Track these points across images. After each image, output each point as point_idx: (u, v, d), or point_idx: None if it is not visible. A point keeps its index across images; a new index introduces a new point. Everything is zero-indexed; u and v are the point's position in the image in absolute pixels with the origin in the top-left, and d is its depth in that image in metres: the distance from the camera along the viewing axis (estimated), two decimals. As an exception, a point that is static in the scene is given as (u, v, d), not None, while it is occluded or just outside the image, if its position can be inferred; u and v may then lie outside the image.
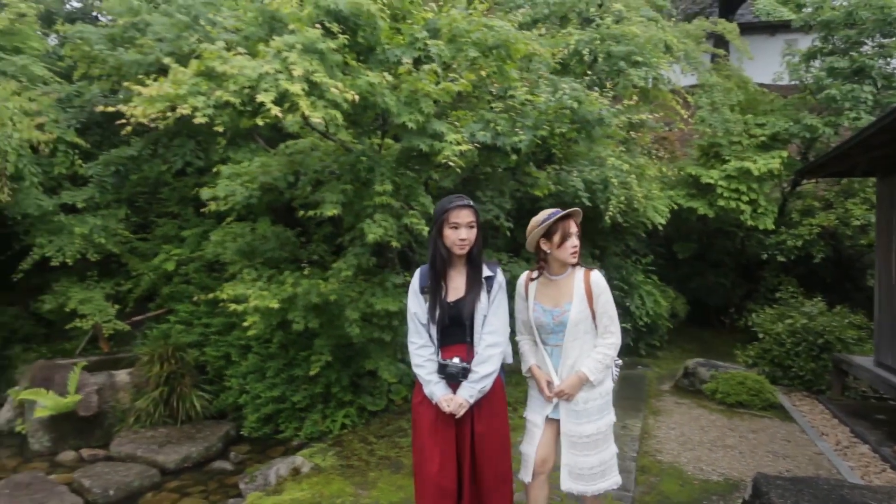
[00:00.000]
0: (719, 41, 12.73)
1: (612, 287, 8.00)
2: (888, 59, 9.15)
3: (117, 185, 6.89)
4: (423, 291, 2.68)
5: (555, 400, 2.84)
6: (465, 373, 2.62)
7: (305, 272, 4.93)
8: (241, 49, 3.97)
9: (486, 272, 2.69)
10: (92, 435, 5.49)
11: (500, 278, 2.73)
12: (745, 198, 8.73)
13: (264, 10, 4.82)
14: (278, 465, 4.39)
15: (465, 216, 2.57)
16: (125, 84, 5.20)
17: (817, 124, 8.93)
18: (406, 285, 5.27)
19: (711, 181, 8.79)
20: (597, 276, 2.84)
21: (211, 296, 5.43)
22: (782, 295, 8.86)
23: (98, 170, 6.58)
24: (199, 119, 3.33)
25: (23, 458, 5.25)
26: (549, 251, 2.80)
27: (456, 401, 2.59)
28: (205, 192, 5.20)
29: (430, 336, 2.69)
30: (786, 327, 7.45)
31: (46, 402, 5.09)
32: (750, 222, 8.73)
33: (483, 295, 2.65)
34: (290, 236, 6.19)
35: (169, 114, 3.52)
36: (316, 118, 3.28)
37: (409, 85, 3.79)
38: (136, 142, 7.14)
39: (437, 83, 3.89)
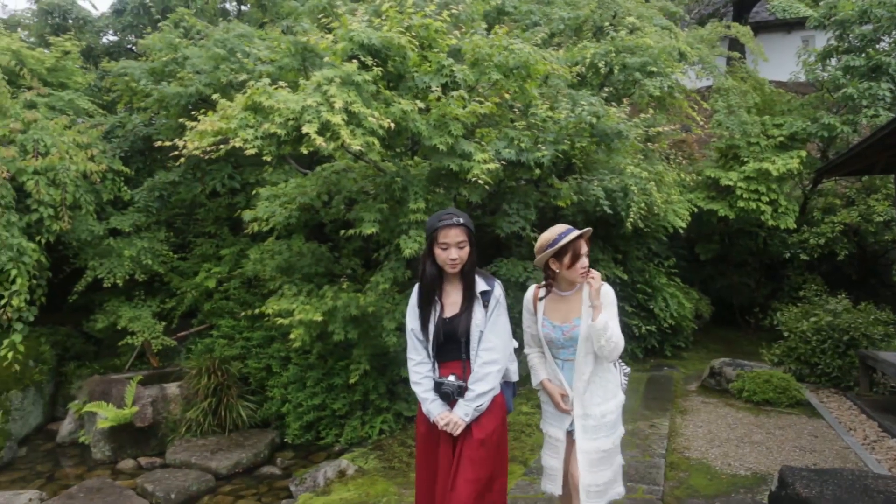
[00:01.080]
0: (734, 43, 12.83)
1: (636, 290, 8.23)
2: (904, 56, 9.20)
3: (160, 209, 7.31)
4: (420, 307, 2.61)
5: (576, 411, 2.80)
6: (460, 391, 2.55)
7: (344, 286, 5.23)
8: (279, 82, 4.31)
9: (482, 286, 2.58)
10: (147, 444, 5.85)
11: (499, 293, 2.62)
12: (765, 198, 8.83)
13: (297, 42, 5.19)
14: (325, 468, 4.68)
15: (454, 236, 2.46)
16: (180, 119, 5.60)
17: (835, 123, 9.00)
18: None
19: (731, 183, 8.91)
20: (605, 289, 2.78)
21: (256, 311, 5.76)
22: (806, 293, 8.92)
23: (143, 195, 7.02)
24: (250, 151, 3.66)
25: (86, 466, 5.65)
26: (558, 270, 2.76)
27: (451, 419, 2.51)
28: (247, 214, 5.55)
29: (428, 352, 2.63)
30: (811, 325, 7.53)
31: (107, 414, 5.47)
32: (771, 222, 8.82)
33: (479, 310, 2.56)
34: (325, 252, 6.53)
35: (221, 146, 3.85)
36: (356, 146, 3.59)
37: (438, 110, 4.09)
38: (174, 167, 7.58)
39: (464, 107, 4.17)
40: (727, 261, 10.48)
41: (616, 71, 7.06)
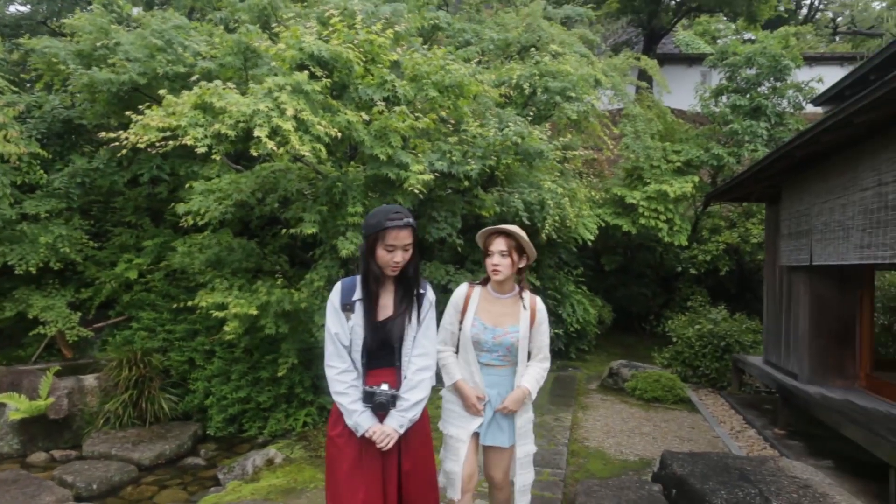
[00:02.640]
0: (643, 73, 14.05)
1: (547, 297, 8.93)
2: (780, 100, 10.59)
3: (81, 196, 7.08)
4: (345, 309, 2.36)
5: (486, 415, 2.82)
6: (394, 400, 2.35)
7: (278, 282, 5.42)
8: (218, 80, 4.46)
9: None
10: (61, 437, 5.71)
11: (431, 296, 2.50)
12: (662, 217, 9.82)
13: (241, 42, 5.34)
14: (254, 457, 4.86)
15: (403, 238, 2.27)
16: (109, 106, 5.51)
17: (723, 154, 10.20)
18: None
19: (634, 201, 9.84)
20: (541, 305, 2.90)
21: (187, 303, 5.80)
22: (693, 303, 10.03)
23: (64, 180, 6.78)
24: (201, 149, 3.82)
25: (-8, 460, 5.43)
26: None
27: (384, 431, 2.31)
28: (180, 207, 5.59)
29: (353, 360, 2.38)
30: (695, 332, 8.54)
31: (19, 406, 5.30)
32: (667, 238, 9.83)
33: (413, 314, 2.41)
34: (255, 248, 6.64)
35: (170, 142, 3.97)
36: (304, 151, 3.85)
37: (380, 122, 4.42)
38: (95, 153, 7.36)
39: (404, 121, 4.54)
40: (628, 272, 11.48)
41: (539, 93, 7.68)
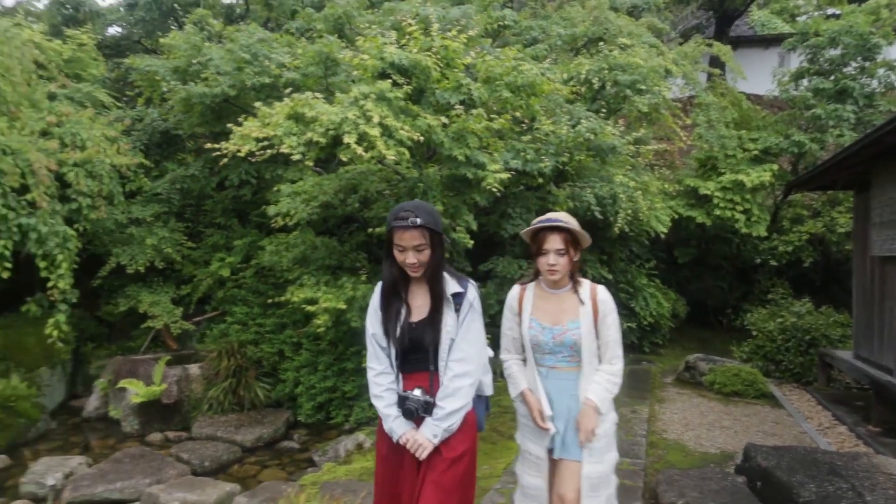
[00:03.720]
0: (715, 58, 13.58)
1: (618, 289, 8.90)
2: (869, 80, 9.99)
3: (179, 200, 7.73)
4: (383, 309, 2.32)
5: (552, 431, 2.54)
6: (426, 407, 2.23)
7: (362, 278, 5.75)
8: (301, 89, 4.78)
9: (454, 288, 2.28)
10: (172, 420, 6.31)
11: (473, 295, 2.30)
12: (739, 207, 9.51)
13: (322, 52, 5.68)
14: (345, 441, 5.22)
15: (409, 239, 2.15)
16: (203, 117, 6.02)
17: (805, 140, 9.74)
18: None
19: (709, 192, 9.59)
20: (604, 294, 2.58)
21: (278, 299, 6.24)
22: (774, 296, 9.68)
23: (166, 186, 7.41)
24: (296, 156, 4.16)
25: (115, 438, 6.09)
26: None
27: (416, 440, 2.21)
28: (271, 209, 6.02)
29: (391, 361, 2.32)
30: (777, 325, 8.27)
31: (139, 391, 5.91)
32: (744, 229, 9.52)
33: (450, 316, 2.25)
34: (336, 246, 7.02)
35: (268, 151, 4.34)
36: (390, 155, 4.12)
37: (458, 125, 4.63)
38: (191, 161, 7.99)
39: (481, 123, 4.73)
40: (703, 264, 11.17)
41: (608, 87, 7.67)
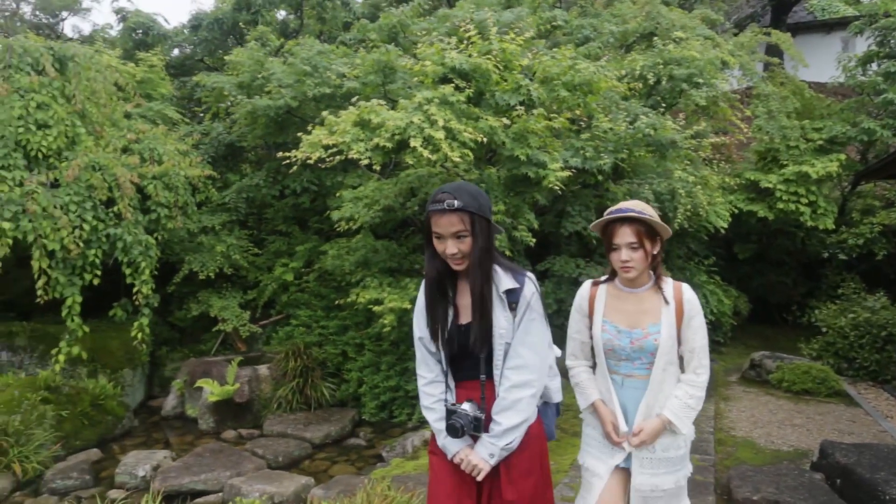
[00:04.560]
0: (772, 46, 13.14)
1: (679, 288, 8.71)
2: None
3: (245, 209, 8.10)
4: (428, 310, 2.05)
5: (626, 446, 2.24)
6: (476, 425, 1.95)
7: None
8: (358, 97, 4.96)
9: (507, 284, 1.97)
10: (244, 418, 6.62)
11: (530, 291, 1.99)
12: (804, 200, 9.19)
13: (380, 61, 5.86)
14: (412, 438, 5.36)
15: (446, 225, 1.87)
16: (268, 129, 6.31)
17: (875, 127, 9.31)
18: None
19: (770, 185, 9.29)
20: (690, 294, 2.28)
21: (345, 300, 6.46)
22: (845, 291, 9.28)
23: (233, 196, 7.79)
24: (364, 161, 4.33)
25: (193, 435, 6.45)
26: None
27: (471, 461, 1.95)
28: (335, 214, 6.25)
29: (442, 368, 2.06)
30: (849, 321, 7.94)
31: (214, 390, 6.24)
32: (810, 223, 9.18)
33: (502, 316, 1.95)
34: (396, 249, 7.21)
35: (337, 157, 4.53)
36: (455, 157, 4.24)
37: (519, 125, 4.71)
38: (254, 172, 8.36)
39: (540, 122, 4.79)
40: (765, 260, 10.83)
41: (663, 82, 7.57)
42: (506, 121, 4.71)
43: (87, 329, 5.97)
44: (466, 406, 1.96)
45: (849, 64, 10.63)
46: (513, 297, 1.96)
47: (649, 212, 2.21)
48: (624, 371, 2.30)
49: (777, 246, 10.65)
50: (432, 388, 2.07)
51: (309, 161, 4.85)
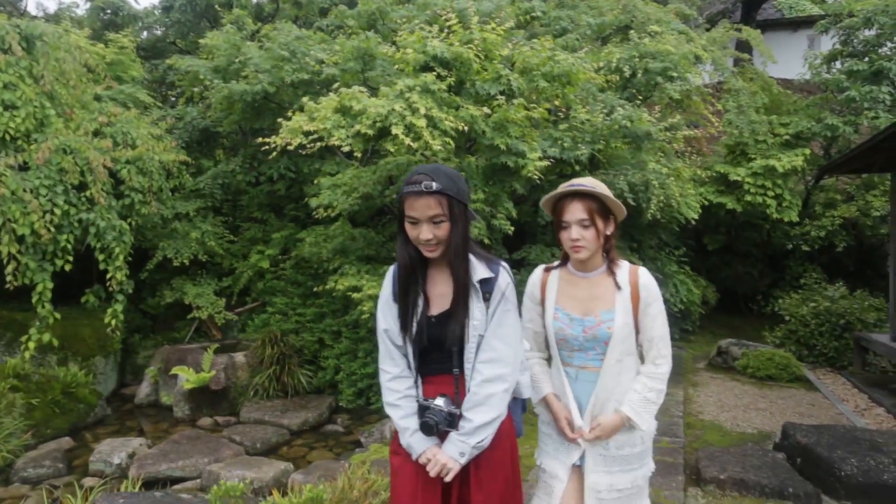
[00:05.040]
0: (742, 42, 13.44)
1: (650, 277, 8.95)
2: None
3: (221, 195, 8.00)
4: (396, 300, 1.93)
5: (582, 443, 2.10)
6: (450, 420, 1.85)
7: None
8: (336, 84, 4.95)
9: (481, 273, 1.88)
10: (220, 405, 6.59)
11: (505, 281, 1.91)
12: (770, 193, 9.49)
13: (360, 48, 5.85)
14: (390, 423, 5.37)
15: (422, 208, 1.76)
16: (245, 114, 6.23)
17: (838, 124, 9.65)
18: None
19: (739, 178, 9.57)
20: (647, 278, 2.11)
21: (322, 288, 6.45)
22: (806, 281, 9.65)
23: (208, 182, 7.68)
24: (346, 148, 4.34)
25: (168, 423, 6.39)
26: None
27: (438, 460, 1.83)
28: (313, 201, 6.22)
29: (409, 362, 1.95)
30: (810, 310, 8.28)
31: (189, 378, 6.19)
32: (776, 215, 9.49)
33: (477, 307, 1.87)
34: (374, 236, 7.22)
35: (318, 144, 4.52)
36: (436, 145, 4.27)
37: (499, 115, 4.77)
38: (228, 158, 8.25)
39: (520, 112, 4.86)
40: (732, 251, 11.15)
41: (639, 74, 7.71)
42: (486, 110, 4.76)
43: (58, 316, 5.86)
44: (440, 401, 1.86)
45: (814, 62, 10.97)
46: (487, 286, 1.88)
47: (602, 188, 2.05)
48: (577, 363, 2.14)
49: (744, 238, 10.98)
50: (398, 384, 1.95)
51: (289, 147, 4.83)
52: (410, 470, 1.92)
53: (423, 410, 1.87)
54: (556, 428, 2.17)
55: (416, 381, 1.96)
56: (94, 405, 6.35)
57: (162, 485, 4.56)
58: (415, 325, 1.90)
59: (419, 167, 1.87)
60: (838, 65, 10.52)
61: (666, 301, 8.06)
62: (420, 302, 1.91)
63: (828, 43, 11.09)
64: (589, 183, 2.06)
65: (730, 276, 11.18)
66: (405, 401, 1.93)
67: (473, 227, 4.92)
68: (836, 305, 8.11)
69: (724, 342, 8.37)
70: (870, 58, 9.96)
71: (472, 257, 1.90)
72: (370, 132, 4.39)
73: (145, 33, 11.69)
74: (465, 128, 4.49)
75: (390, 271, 1.99)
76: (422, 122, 4.25)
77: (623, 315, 2.06)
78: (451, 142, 4.46)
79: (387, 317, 1.96)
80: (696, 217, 8.52)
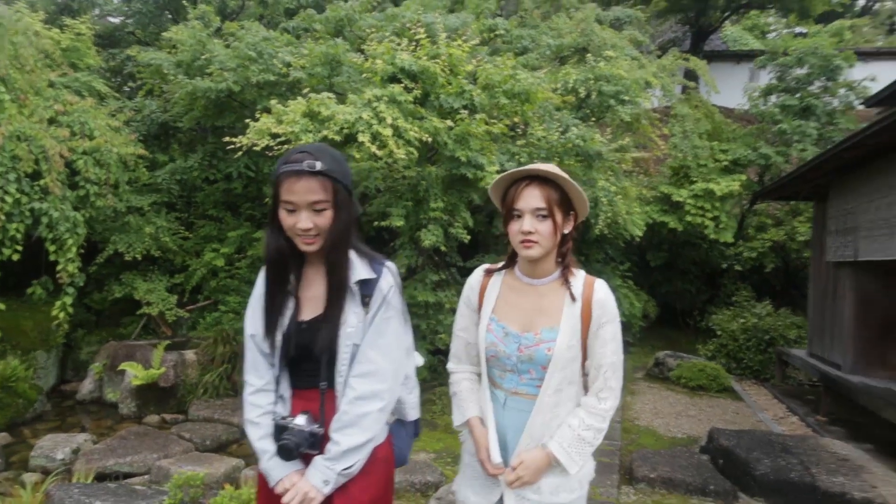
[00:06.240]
0: (690, 71, 14.24)
1: (596, 289, 9.40)
2: (831, 99, 10.74)
3: (178, 191, 7.91)
4: (265, 300, 1.71)
5: (502, 483, 1.76)
6: (312, 441, 1.61)
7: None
8: (306, 88, 5.09)
9: (360, 274, 1.64)
10: (168, 403, 6.52)
11: (388, 284, 1.67)
12: (709, 214, 10.11)
13: (328, 53, 5.99)
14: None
15: (302, 191, 1.52)
16: (207, 112, 6.24)
17: (771, 153, 10.42)
18: (442, 283, 6.54)
19: (681, 199, 10.17)
20: (603, 294, 1.77)
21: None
22: (738, 299, 10.32)
23: (166, 178, 7.59)
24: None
25: (113, 420, 6.27)
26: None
27: (300, 489, 1.58)
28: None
29: (276, 374, 1.71)
30: (739, 326, 8.90)
31: (138, 374, 6.11)
32: (713, 236, 10.12)
33: (353, 312, 1.62)
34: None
35: (284, 146, 4.64)
36: (401, 154, 4.46)
37: (462, 128, 5.01)
38: (185, 153, 8.18)
39: (481, 127, 5.11)
40: (673, 268, 11.78)
41: (593, 96, 8.13)
42: (449, 123, 4.99)
43: (2, 306, 5.69)
44: (300, 420, 1.61)
45: (753, 94, 11.78)
46: (367, 289, 1.63)
47: (565, 176, 1.73)
48: (508, 386, 1.78)
49: (684, 256, 11.61)
50: (260, 398, 1.70)
51: (255, 148, 4.91)
52: (271, 498, 1.64)
53: (280, 431, 1.62)
54: (476, 456, 1.81)
55: (282, 396, 1.69)
56: (33, 400, 6.18)
57: (116, 477, 4.54)
58: (281, 330, 1.65)
59: (299, 146, 1.62)
60: (773, 98, 11.34)
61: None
62: (290, 304, 1.66)
63: (766, 77, 11.93)
64: (552, 169, 1.71)
65: (670, 291, 11.79)
66: (266, 418, 1.67)
67: (430, 234, 5.14)
68: (763, 322, 8.75)
69: (661, 354, 8.87)
70: (800, 94, 10.81)
71: (352, 254, 1.65)
72: (337, 138, 4.53)
73: (105, 20, 11.38)
74: (429, 139, 4.70)
75: (262, 270, 1.71)
76: (388, 132, 4.43)
77: (568, 335, 1.71)
78: (415, 151, 4.66)
79: (254, 320, 1.72)
80: (640, 234, 8.99)
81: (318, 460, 1.60)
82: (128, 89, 10.35)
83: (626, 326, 10.25)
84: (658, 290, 11.77)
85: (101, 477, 4.50)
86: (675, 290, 11.74)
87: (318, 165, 1.51)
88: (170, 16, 10.56)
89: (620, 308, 8.23)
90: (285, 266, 1.66)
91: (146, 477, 4.66)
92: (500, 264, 1.89)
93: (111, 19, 11.07)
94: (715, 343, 9.15)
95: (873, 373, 6.09)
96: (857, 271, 6.23)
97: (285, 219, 1.57)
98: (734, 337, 8.83)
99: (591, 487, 2.58)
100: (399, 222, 5.22)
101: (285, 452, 1.59)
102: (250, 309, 1.75)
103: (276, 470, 1.62)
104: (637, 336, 10.78)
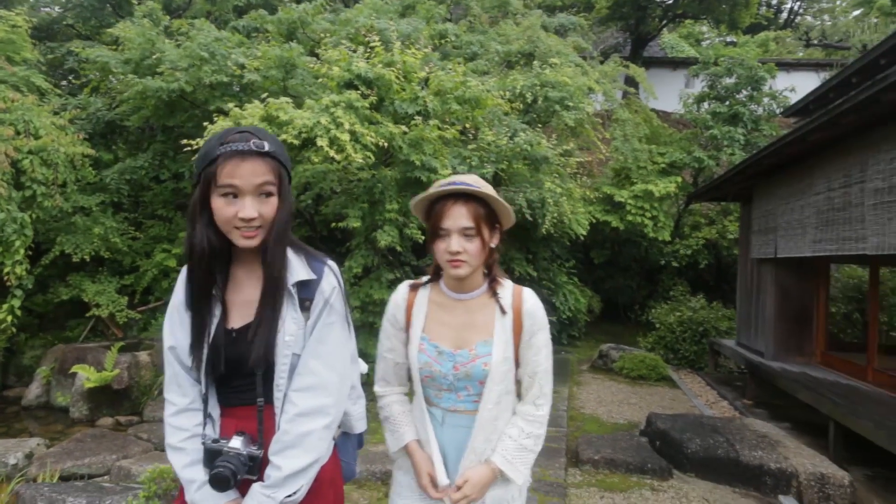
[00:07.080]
0: (630, 78, 14.95)
1: (542, 286, 9.87)
2: (756, 107, 11.57)
3: (128, 191, 7.79)
4: (189, 307, 1.46)
5: (447, 501, 1.71)
6: (251, 467, 1.41)
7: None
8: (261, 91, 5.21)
9: (299, 274, 1.45)
10: (121, 405, 6.45)
11: (329, 285, 1.49)
12: (648, 214, 10.72)
13: (283, 56, 6.11)
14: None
15: (247, 174, 1.33)
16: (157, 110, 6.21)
17: (704, 157, 11.14)
18: (397, 282, 6.72)
19: (622, 199, 10.73)
20: (532, 303, 1.75)
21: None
22: (675, 294, 10.99)
23: (114, 177, 7.47)
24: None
25: (64, 424, 6.17)
26: None
27: None
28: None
29: (200, 391, 1.47)
30: (676, 319, 9.50)
31: (91, 376, 6.04)
32: (652, 234, 10.73)
33: (291, 317, 1.43)
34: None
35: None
36: (358, 159, 4.65)
37: (416, 133, 5.23)
38: (132, 152, 8.06)
39: (434, 132, 5.36)
40: (615, 265, 12.38)
41: (539, 101, 8.52)
42: (404, 128, 5.21)
43: (-58, 310, 5.53)
44: (236, 442, 1.40)
45: (687, 101, 12.52)
46: (306, 291, 1.44)
47: (489, 189, 1.68)
48: (446, 404, 1.75)
49: (626, 253, 12.23)
50: (184, 420, 1.47)
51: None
52: None
53: (213, 456, 1.39)
54: (415, 481, 1.77)
55: (211, 416, 1.47)
56: (-24, 407, 6.01)
57: (81, 476, 4.52)
58: (207, 341, 1.42)
59: (234, 127, 1.43)
60: (706, 105, 12.10)
61: (556, 309, 8.95)
62: (217, 310, 1.44)
63: (700, 84, 12.71)
64: (473, 182, 1.67)
65: (613, 287, 12.39)
66: (193, 442, 1.44)
67: (385, 235, 5.34)
68: (697, 315, 9.37)
69: (604, 346, 9.37)
70: (729, 102, 11.59)
71: (289, 252, 1.45)
72: (296, 142, 4.67)
73: (38, 12, 10.96)
74: (385, 143, 4.91)
75: (183, 271, 1.48)
76: (345, 136, 4.60)
77: (502, 348, 1.69)
78: (372, 155, 4.85)
79: (175, 330, 1.47)
80: (584, 233, 9.47)
81: (255, 488, 1.39)
82: (67, 84, 10.03)
83: (573, 321, 10.75)
84: (602, 286, 12.35)
85: (62, 479, 4.49)
86: (617, 286, 12.34)
87: (267, 146, 1.34)
88: (111, 9, 10.29)
89: (566, 304, 8.71)
90: (213, 264, 1.40)
91: (106, 478, 4.67)
92: (425, 279, 1.83)
93: (46, 10, 10.67)
94: (654, 335, 9.72)
95: (791, 359, 6.71)
96: (777, 267, 6.83)
97: (222, 208, 1.34)
98: (671, 329, 9.43)
99: (541, 470, 2.72)
100: (356, 223, 5.40)
101: (220, 483, 1.35)
102: (168, 318, 1.50)
103: (208, 502, 1.40)
104: (582, 330, 11.30)
